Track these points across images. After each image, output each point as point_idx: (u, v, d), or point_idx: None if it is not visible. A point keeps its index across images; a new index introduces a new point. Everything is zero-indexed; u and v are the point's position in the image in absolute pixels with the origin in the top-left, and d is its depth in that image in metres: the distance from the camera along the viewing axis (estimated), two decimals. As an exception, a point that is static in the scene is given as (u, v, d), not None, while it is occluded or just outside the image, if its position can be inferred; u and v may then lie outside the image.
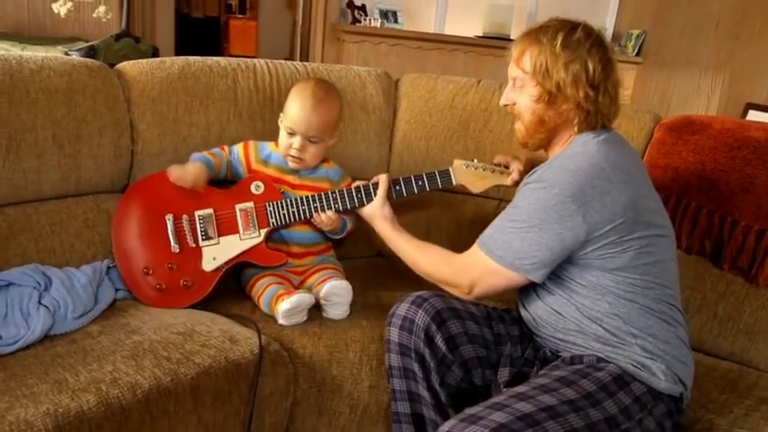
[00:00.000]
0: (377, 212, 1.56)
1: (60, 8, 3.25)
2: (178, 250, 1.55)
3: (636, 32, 4.65)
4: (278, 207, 1.60)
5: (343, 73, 1.98)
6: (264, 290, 1.54)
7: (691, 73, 4.24)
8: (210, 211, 1.58)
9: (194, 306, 1.54)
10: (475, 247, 1.32)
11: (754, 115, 3.73)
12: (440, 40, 4.48)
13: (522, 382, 1.20)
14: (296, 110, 1.60)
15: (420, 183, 1.60)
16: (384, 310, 1.48)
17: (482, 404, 1.10)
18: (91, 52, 3.05)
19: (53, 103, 1.52)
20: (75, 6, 3.41)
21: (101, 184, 1.65)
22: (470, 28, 4.66)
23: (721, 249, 1.65)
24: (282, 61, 1.95)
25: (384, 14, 4.45)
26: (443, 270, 1.37)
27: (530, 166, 1.49)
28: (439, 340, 1.31)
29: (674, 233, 1.34)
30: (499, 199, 1.93)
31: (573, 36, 1.26)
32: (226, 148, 1.69)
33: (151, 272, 1.54)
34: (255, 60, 1.90)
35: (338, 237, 1.71)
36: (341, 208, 1.60)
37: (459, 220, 1.96)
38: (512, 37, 4.56)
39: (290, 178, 1.67)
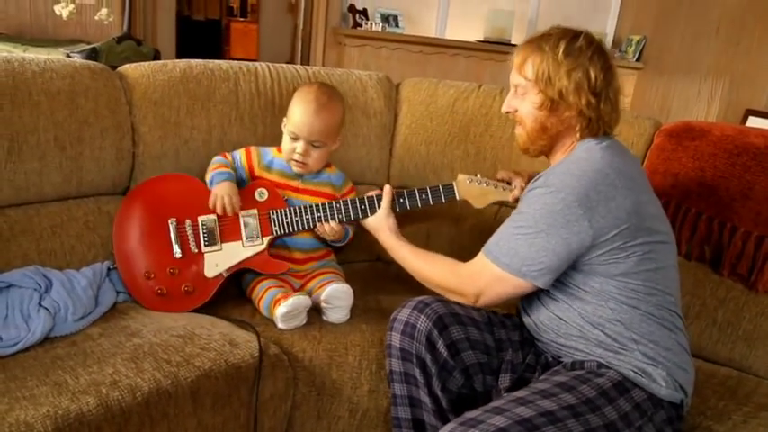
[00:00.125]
0: (382, 224, 1.56)
1: (62, 10, 3.26)
2: (180, 255, 1.55)
3: (636, 38, 4.67)
4: (281, 215, 1.60)
5: (345, 77, 1.98)
6: (264, 293, 1.54)
7: (691, 79, 4.25)
8: (214, 217, 1.58)
9: (195, 310, 1.54)
10: (480, 256, 1.32)
11: (753, 121, 3.74)
12: (441, 44, 4.49)
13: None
14: (299, 114, 1.60)
15: (424, 197, 1.61)
16: (384, 315, 1.48)
17: (482, 408, 1.11)
18: (93, 54, 3.05)
19: (55, 106, 1.53)
20: (77, 9, 3.42)
21: (102, 186, 1.65)
22: (471, 33, 4.67)
23: (721, 255, 1.65)
24: (284, 65, 1.95)
25: (385, 19, 4.46)
26: (449, 279, 1.37)
27: None
28: (441, 346, 1.31)
29: (674, 240, 1.34)
30: (499, 203, 1.93)
31: (575, 44, 1.27)
32: (228, 155, 1.69)
33: (152, 276, 1.54)
34: (257, 64, 1.90)
35: (340, 245, 1.72)
36: (344, 219, 1.60)
37: (459, 225, 1.96)
38: (512, 42, 4.57)
39: (294, 183, 1.68)
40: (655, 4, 4.58)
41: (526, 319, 1.39)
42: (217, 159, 1.67)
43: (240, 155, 1.69)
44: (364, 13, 4.42)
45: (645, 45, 4.62)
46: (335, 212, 1.60)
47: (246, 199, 1.61)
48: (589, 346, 1.27)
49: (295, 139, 1.62)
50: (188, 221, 1.57)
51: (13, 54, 1.62)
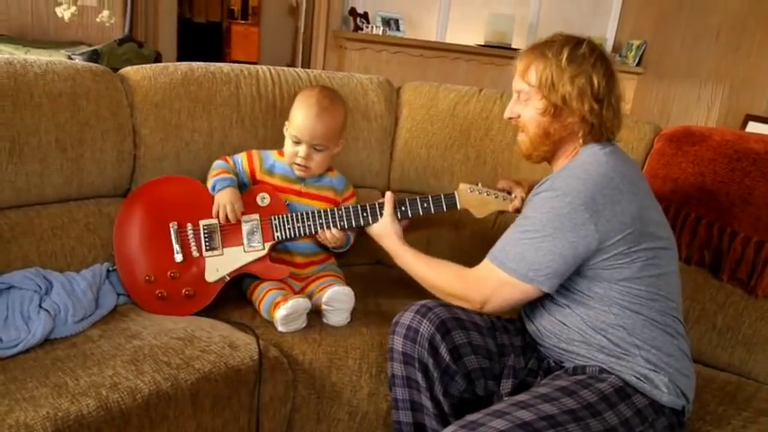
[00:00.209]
0: (387, 230, 1.56)
1: (64, 12, 3.27)
2: (181, 259, 1.55)
3: (636, 43, 4.68)
4: (283, 221, 1.60)
5: (346, 80, 1.98)
6: (264, 295, 1.54)
7: (691, 84, 4.25)
8: (215, 221, 1.58)
9: (195, 313, 1.54)
10: (486, 261, 1.31)
11: (753, 127, 3.74)
12: (441, 48, 4.50)
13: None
14: (300, 118, 1.60)
15: (425, 205, 1.61)
16: (384, 318, 1.48)
17: (483, 411, 1.11)
18: (94, 56, 3.06)
19: (57, 107, 1.53)
20: (79, 11, 3.43)
21: (103, 188, 1.66)
22: (472, 36, 4.68)
23: (720, 260, 1.65)
24: (285, 68, 1.96)
25: (386, 22, 4.47)
26: (455, 285, 1.37)
27: None
28: (443, 350, 1.31)
29: (676, 246, 1.34)
30: (499, 212, 1.93)
31: (578, 51, 1.28)
32: (229, 159, 1.68)
33: (153, 279, 1.54)
34: (258, 67, 1.90)
35: (341, 251, 1.72)
36: (346, 225, 1.60)
37: (459, 231, 1.97)
38: (513, 46, 4.58)
39: (296, 187, 1.68)
40: (655, 8, 4.59)
41: (529, 326, 1.39)
42: (218, 164, 1.66)
43: (242, 159, 1.69)
44: (365, 16, 4.43)
45: (645, 50, 4.63)
46: (337, 219, 1.60)
47: (248, 203, 1.60)
48: (591, 351, 1.27)
49: (297, 142, 1.62)
50: (189, 225, 1.57)
51: (15, 56, 1.62)
